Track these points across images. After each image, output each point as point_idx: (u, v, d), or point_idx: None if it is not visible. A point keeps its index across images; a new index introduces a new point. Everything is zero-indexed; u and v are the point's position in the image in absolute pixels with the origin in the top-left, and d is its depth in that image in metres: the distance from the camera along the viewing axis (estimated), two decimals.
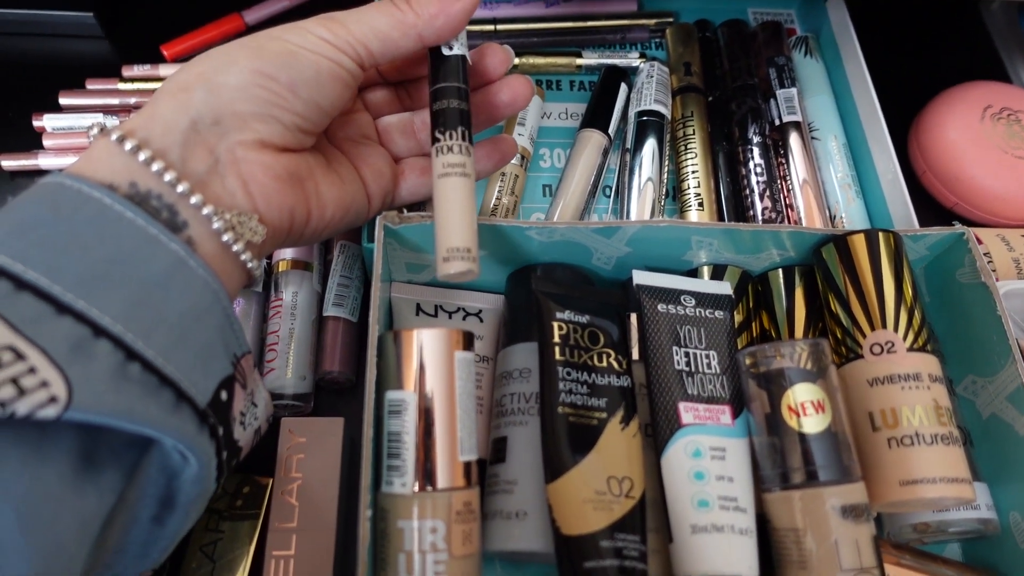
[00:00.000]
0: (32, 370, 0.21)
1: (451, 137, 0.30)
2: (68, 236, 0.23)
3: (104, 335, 0.22)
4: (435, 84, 0.31)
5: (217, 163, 0.27)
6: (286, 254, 0.41)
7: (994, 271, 0.44)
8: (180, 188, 0.26)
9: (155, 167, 0.25)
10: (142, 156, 0.25)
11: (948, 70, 0.55)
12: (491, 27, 0.53)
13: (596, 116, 0.49)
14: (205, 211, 0.26)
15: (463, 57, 0.32)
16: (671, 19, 0.54)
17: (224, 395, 0.26)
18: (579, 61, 0.52)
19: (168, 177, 0.26)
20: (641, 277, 0.37)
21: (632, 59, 0.52)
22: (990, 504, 0.36)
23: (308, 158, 0.30)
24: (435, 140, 0.30)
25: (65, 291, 0.22)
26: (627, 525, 0.31)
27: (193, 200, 0.26)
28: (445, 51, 0.31)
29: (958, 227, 0.38)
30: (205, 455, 0.25)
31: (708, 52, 0.53)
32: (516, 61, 0.52)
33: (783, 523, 0.31)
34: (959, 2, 0.59)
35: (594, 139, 0.48)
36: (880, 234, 0.36)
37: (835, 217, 0.47)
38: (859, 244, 0.36)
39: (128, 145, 0.25)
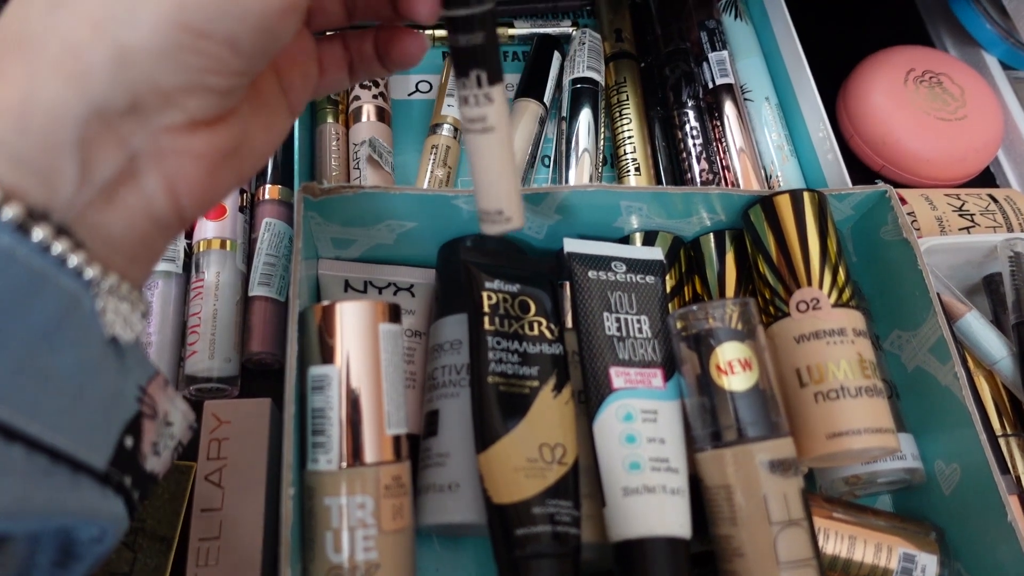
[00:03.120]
0: None
1: (466, 86, 0.24)
2: None
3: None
4: (448, 9, 0.24)
5: (132, 160, 0.20)
6: (207, 232, 0.39)
7: (918, 230, 0.45)
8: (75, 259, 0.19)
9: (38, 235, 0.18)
10: (12, 213, 0.17)
11: (874, 35, 0.56)
12: None
13: (531, 85, 0.48)
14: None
15: None
16: None
17: (129, 441, 0.21)
18: (511, 31, 0.51)
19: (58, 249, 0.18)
20: (572, 245, 0.37)
21: (564, 27, 0.51)
22: (916, 454, 0.36)
23: (242, 111, 0.22)
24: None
25: None
26: (560, 491, 0.31)
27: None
28: None
29: (881, 185, 0.39)
30: (110, 518, 0.20)
31: (639, 18, 0.53)
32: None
33: (714, 481, 0.31)
34: None
35: (530, 108, 0.47)
36: (805, 194, 0.37)
37: (771, 177, 0.47)
38: (784, 204, 0.37)
39: None
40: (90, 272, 0.19)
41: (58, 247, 0.18)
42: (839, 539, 0.34)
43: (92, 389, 0.19)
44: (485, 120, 0.25)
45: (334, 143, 0.42)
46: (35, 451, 0.18)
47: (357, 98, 0.44)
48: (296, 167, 0.40)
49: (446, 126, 0.45)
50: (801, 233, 0.36)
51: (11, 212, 0.17)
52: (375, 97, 0.43)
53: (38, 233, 0.18)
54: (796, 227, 0.36)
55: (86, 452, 0.19)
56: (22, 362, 0.18)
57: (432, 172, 0.44)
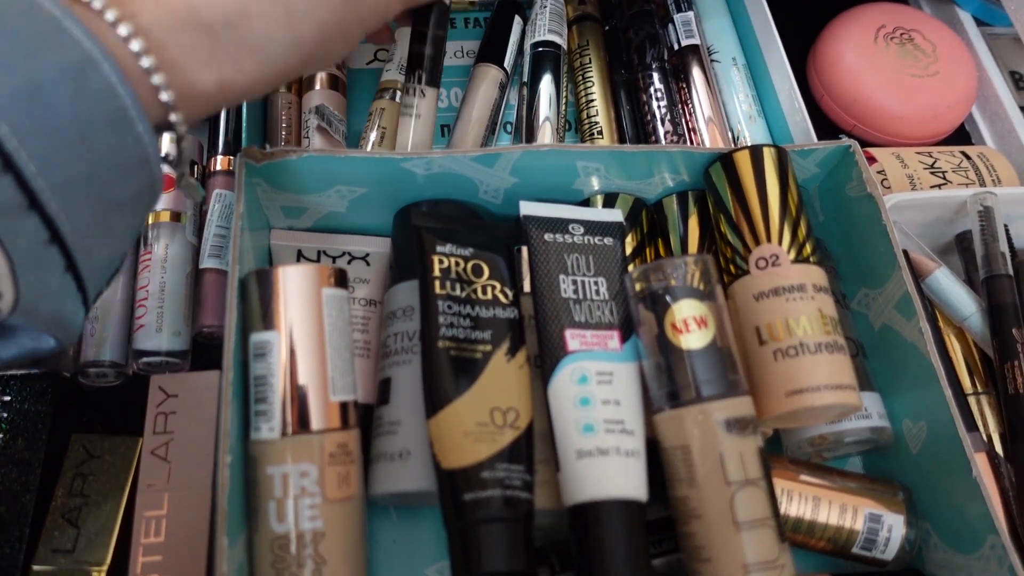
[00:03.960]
0: None
1: (409, 79, 0.36)
2: (76, 128, 0.21)
3: (59, 242, 0.21)
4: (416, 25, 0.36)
5: None
6: (157, 205, 0.38)
7: (889, 188, 0.44)
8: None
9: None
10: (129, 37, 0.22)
11: None
12: None
13: (491, 50, 0.47)
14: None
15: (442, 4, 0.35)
16: None
17: (105, 289, 0.25)
18: None
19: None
20: (528, 208, 0.36)
21: None
22: (882, 413, 0.36)
23: None
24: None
25: (46, 187, 0.20)
26: (511, 455, 0.30)
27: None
28: None
29: (845, 140, 0.38)
30: (68, 343, 0.24)
31: None
32: None
33: (671, 442, 0.31)
34: None
35: (491, 73, 0.46)
36: (765, 150, 0.36)
37: (738, 139, 0.46)
38: (744, 161, 0.36)
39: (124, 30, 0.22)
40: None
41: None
42: (803, 501, 0.34)
43: (116, 221, 0.23)
44: (415, 108, 0.37)
45: (284, 112, 0.41)
46: (77, 283, 0.22)
47: None
48: (244, 136, 0.39)
49: (387, 91, 0.44)
50: (761, 189, 0.35)
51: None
52: None
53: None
54: (756, 183, 0.35)
55: (90, 286, 0.23)
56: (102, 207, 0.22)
57: (366, 135, 0.43)
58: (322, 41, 0.27)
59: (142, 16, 0.22)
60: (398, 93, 0.43)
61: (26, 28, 0.20)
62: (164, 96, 0.23)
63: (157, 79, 0.23)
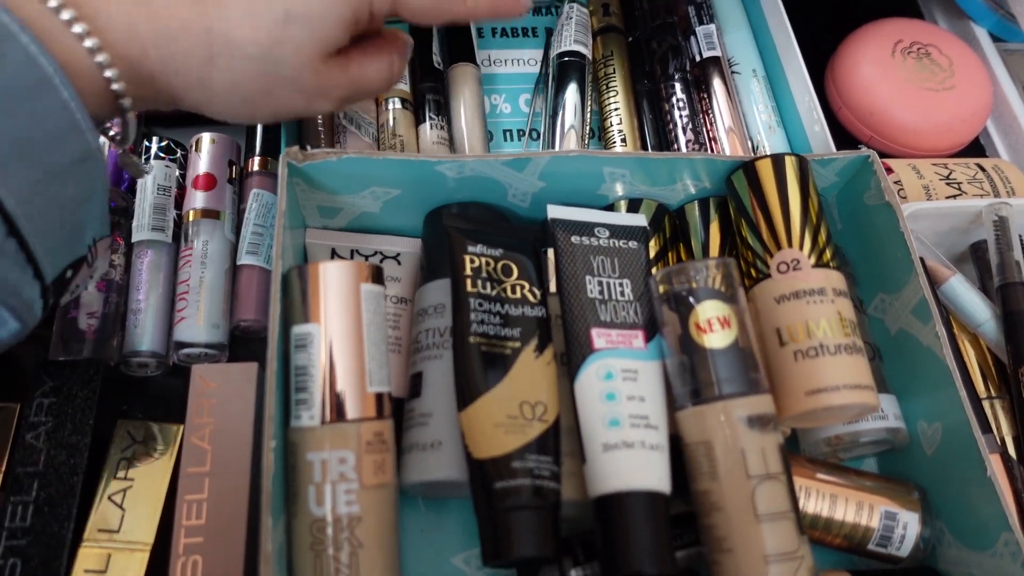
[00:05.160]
0: None
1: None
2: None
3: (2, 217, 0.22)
4: None
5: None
6: (197, 203, 0.40)
7: (905, 198, 0.45)
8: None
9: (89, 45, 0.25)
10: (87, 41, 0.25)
11: (864, 8, 0.56)
12: None
13: (459, 50, 0.48)
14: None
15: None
16: None
17: (69, 273, 0.27)
18: None
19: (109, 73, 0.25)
20: (556, 211, 0.37)
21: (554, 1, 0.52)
22: (898, 415, 0.37)
23: None
24: None
25: None
26: (539, 446, 0.31)
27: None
28: None
29: (864, 150, 0.39)
30: (31, 323, 0.25)
31: None
32: None
33: (694, 438, 0.32)
34: None
35: (469, 71, 0.47)
36: (787, 158, 0.37)
37: (757, 148, 0.48)
38: (766, 169, 0.37)
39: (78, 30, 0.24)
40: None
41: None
42: (820, 498, 0.35)
43: (69, 216, 0.25)
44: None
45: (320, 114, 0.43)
46: (22, 251, 0.23)
47: None
48: (283, 138, 0.40)
49: (391, 100, 0.45)
50: (782, 196, 0.36)
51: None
52: None
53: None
54: (777, 191, 0.36)
55: (46, 266, 0.24)
56: (39, 180, 0.23)
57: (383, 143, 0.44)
58: (236, 98, 0.29)
59: None
60: (406, 102, 0.45)
61: None
62: (99, 58, 0.25)
63: (89, 43, 0.24)
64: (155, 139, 0.41)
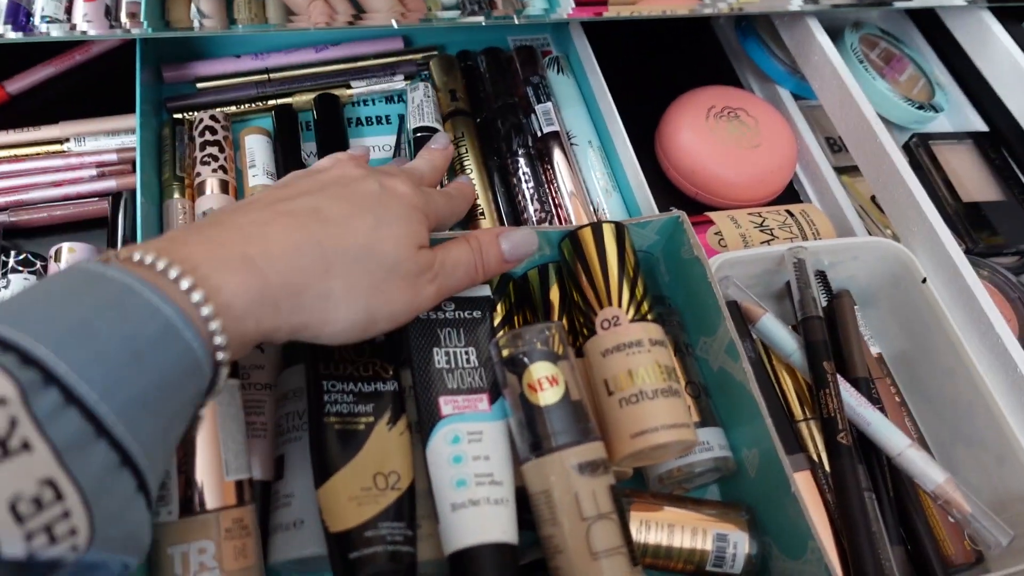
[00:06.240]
0: (66, 514, 0.20)
1: None
2: (127, 350, 0.22)
3: (130, 464, 0.22)
4: None
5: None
6: None
7: (726, 246, 0.51)
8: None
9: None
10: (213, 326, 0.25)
11: (690, 78, 0.62)
12: (264, 76, 0.55)
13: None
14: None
15: None
16: (436, 52, 0.59)
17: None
18: (349, 92, 0.55)
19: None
20: None
21: (398, 85, 0.56)
22: (724, 444, 0.41)
23: None
24: None
25: (110, 412, 0.21)
26: (393, 514, 0.34)
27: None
28: None
29: (674, 211, 0.44)
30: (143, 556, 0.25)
31: (472, 78, 0.58)
32: (290, 100, 0.54)
33: (536, 487, 0.35)
34: (693, 20, 0.68)
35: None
36: (604, 225, 0.42)
37: (598, 211, 0.53)
38: (587, 236, 0.41)
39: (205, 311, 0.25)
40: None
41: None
42: (659, 529, 0.38)
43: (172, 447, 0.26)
44: None
45: (180, 217, 0.45)
46: (149, 507, 0.23)
47: (199, 174, 0.47)
48: (140, 238, 0.42)
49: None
50: (602, 259, 0.41)
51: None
52: (215, 171, 0.46)
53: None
54: (597, 255, 0.41)
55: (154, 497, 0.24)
56: (168, 426, 0.24)
57: None
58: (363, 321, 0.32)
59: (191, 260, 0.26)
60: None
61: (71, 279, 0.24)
62: (212, 326, 0.25)
63: (205, 311, 0.25)
64: (12, 252, 0.42)
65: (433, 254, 0.35)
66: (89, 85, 0.54)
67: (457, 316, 0.40)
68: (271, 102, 0.54)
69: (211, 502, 0.32)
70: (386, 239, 0.32)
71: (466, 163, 0.53)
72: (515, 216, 0.52)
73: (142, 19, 0.48)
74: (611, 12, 0.56)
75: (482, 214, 0.52)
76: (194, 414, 0.26)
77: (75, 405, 0.20)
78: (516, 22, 0.56)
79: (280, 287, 0.28)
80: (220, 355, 0.26)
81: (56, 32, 0.47)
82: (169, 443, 0.25)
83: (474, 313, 0.41)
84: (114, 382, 0.21)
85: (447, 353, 0.39)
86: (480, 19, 0.52)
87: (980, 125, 0.64)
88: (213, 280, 0.26)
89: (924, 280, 0.47)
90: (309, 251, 0.29)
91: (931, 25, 0.67)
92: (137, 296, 0.23)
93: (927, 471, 0.41)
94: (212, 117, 0.49)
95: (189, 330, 0.24)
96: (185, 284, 0.25)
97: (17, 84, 0.52)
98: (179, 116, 0.51)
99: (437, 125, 0.53)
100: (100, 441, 0.21)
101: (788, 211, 0.54)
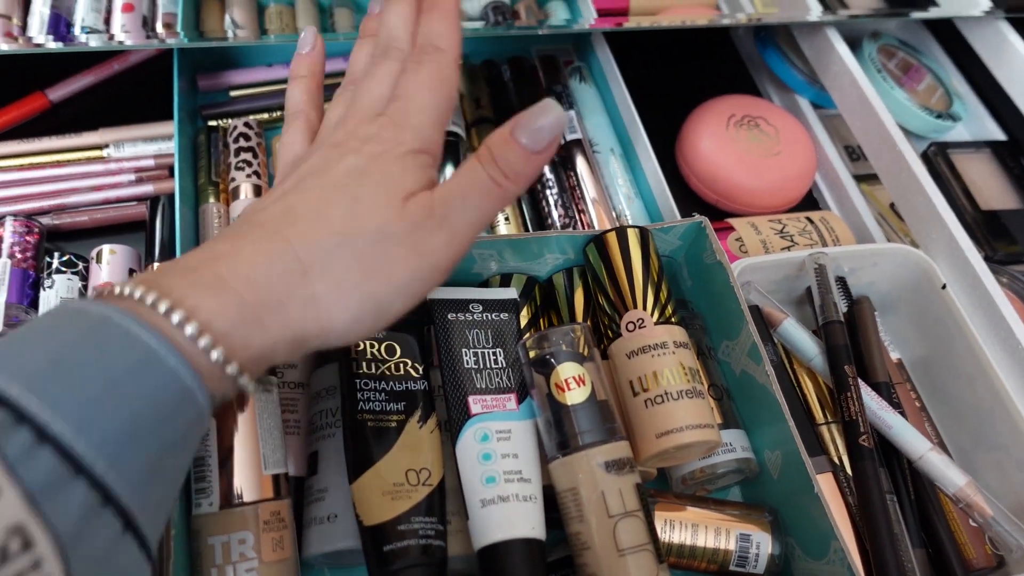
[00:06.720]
0: (36, 564, 0.18)
1: None
2: (102, 380, 0.21)
3: (113, 503, 0.20)
4: None
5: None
6: None
7: (746, 252, 0.51)
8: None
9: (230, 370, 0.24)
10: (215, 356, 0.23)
11: (709, 87, 0.63)
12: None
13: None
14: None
15: None
16: (461, 62, 0.60)
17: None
18: None
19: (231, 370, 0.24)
20: (434, 292, 0.42)
21: None
22: (746, 446, 0.42)
23: None
24: None
25: (89, 448, 0.19)
26: (424, 509, 0.35)
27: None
28: None
29: (697, 217, 0.45)
30: None
31: (497, 87, 0.59)
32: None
33: (563, 485, 0.36)
34: (712, 31, 0.69)
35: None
36: (628, 230, 0.43)
37: (620, 217, 0.54)
38: (612, 241, 0.42)
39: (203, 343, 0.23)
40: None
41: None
42: (684, 528, 0.39)
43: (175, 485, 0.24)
44: None
45: (216, 221, 0.46)
46: (141, 548, 0.21)
47: (233, 179, 0.48)
48: (178, 246, 0.44)
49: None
50: (627, 264, 0.42)
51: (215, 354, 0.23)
52: (249, 176, 0.48)
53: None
54: (622, 259, 0.42)
55: (153, 542, 0.22)
56: (156, 464, 0.22)
57: None
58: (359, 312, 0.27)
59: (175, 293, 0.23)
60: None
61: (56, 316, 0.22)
62: (215, 355, 0.23)
63: (215, 355, 0.23)
64: (56, 254, 0.44)
65: (430, 195, 0.28)
66: (127, 93, 0.55)
67: (485, 318, 0.41)
68: None
69: (250, 495, 0.33)
70: (363, 214, 0.27)
71: None
72: (539, 221, 0.53)
73: (178, 29, 0.50)
74: (632, 22, 0.57)
75: (507, 219, 0.53)
76: (197, 440, 0.24)
77: (48, 443, 0.19)
78: (539, 32, 0.57)
79: (258, 304, 0.25)
80: (229, 368, 0.24)
81: (95, 42, 0.49)
82: (168, 476, 0.23)
83: (502, 315, 0.42)
84: (91, 415, 0.20)
85: (476, 354, 0.40)
86: (503, 29, 0.53)
87: (998, 134, 0.65)
88: (189, 301, 0.23)
89: (944, 286, 0.48)
90: (280, 258, 0.26)
91: (949, 35, 0.68)
92: (115, 326, 0.22)
93: (948, 474, 0.41)
94: (246, 124, 0.50)
95: (173, 356, 0.22)
96: (163, 307, 0.23)
97: (59, 92, 0.54)
98: (213, 123, 0.53)
99: (461, 131, 0.54)
100: (78, 480, 0.19)
101: (808, 218, 0.54)
